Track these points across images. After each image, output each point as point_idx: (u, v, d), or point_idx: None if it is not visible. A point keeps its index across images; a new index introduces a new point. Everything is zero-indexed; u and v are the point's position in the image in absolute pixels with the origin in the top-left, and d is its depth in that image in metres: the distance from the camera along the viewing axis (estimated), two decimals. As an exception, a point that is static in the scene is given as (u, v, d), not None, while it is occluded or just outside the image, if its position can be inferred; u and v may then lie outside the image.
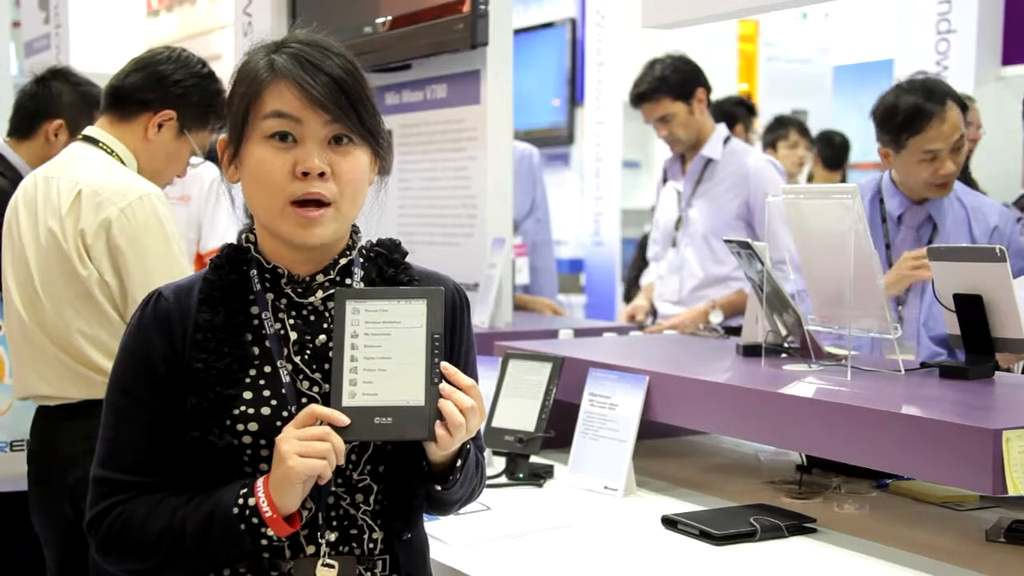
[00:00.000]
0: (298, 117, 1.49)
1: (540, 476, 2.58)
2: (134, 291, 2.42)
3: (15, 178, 3.04)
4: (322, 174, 1.49)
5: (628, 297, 5.88)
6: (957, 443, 1.87)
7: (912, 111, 3.04)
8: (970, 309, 2.38)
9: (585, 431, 2.57)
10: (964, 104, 3.13)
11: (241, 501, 1.46)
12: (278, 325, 1.55)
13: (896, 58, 6.22)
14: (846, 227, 2.31)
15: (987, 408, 2.19)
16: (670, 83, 4.04)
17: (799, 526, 2.19)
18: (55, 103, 3.19)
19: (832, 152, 6.23)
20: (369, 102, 1.54)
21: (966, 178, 4.11)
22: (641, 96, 4.10)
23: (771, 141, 6.02)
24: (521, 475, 2.57)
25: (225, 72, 1.62)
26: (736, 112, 5.43)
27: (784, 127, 6.12)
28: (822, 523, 2.21)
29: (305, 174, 1.49)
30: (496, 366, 2.76)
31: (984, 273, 2.34)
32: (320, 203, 1.50)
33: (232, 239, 4.58)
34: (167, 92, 2.64)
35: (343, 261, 1.58)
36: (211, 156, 2.70)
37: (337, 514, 1.53)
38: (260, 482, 1.46)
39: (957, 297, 2.40)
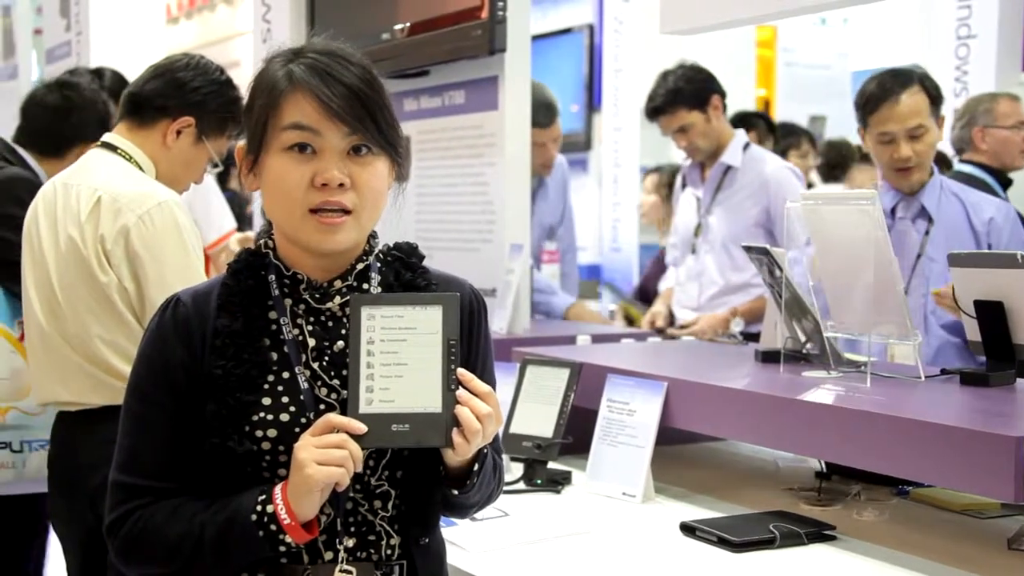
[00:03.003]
0: (317, 129, 1.49)
1: (558, 482, 2.57)
2: (152, 297, 2.42)
3: (33, 177, 3.07)
4: (341, 185, 1.50)
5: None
6: (978, 450, 1.86)
7: (872, 91, 3.12)
8: (991, 315, 2.36)
9: (603, 437, 2.56)
10: (938, 96, 3.16)
11: (259, 508, 1.46)
12: (296, 331, 1.55)
13: (915, 64, 6.19)
14: (866, 233, 2.30)
15: (1008, 415, 2.17)
16: (684, 94, 4.03)
17: (819, 533, 2.17)
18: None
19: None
20: (387, 111, 1.54)
21: (1005, 181, 4.10)
22: (657, 109, 4.09)
23: (783, 149, 6.04)
24: (539, 481, 2.57)
25: (244, 79, 1.62)
26: (755, 123, 5.43)
27: (796, 135, 6.16)
28: (842, 530, 2.20)
29: (324, 185, 1.49)
30: (514, 372, 2.75)
31: (1005, 279, 2.33)
32: (341, 210, 1.50)
33: (228, 225, 4.57)
34: (186, 99, 2.65)
35: (360, 266, 1.58)
36: (229, 162, 2.71)
37: (355, 520, 1.53)
38: (278, 489, 1.46)
39: (978, 303, 2.38)
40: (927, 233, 3.11)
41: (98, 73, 3.95)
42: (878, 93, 3.11)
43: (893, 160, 3.10)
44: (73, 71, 4.05)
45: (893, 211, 3.17)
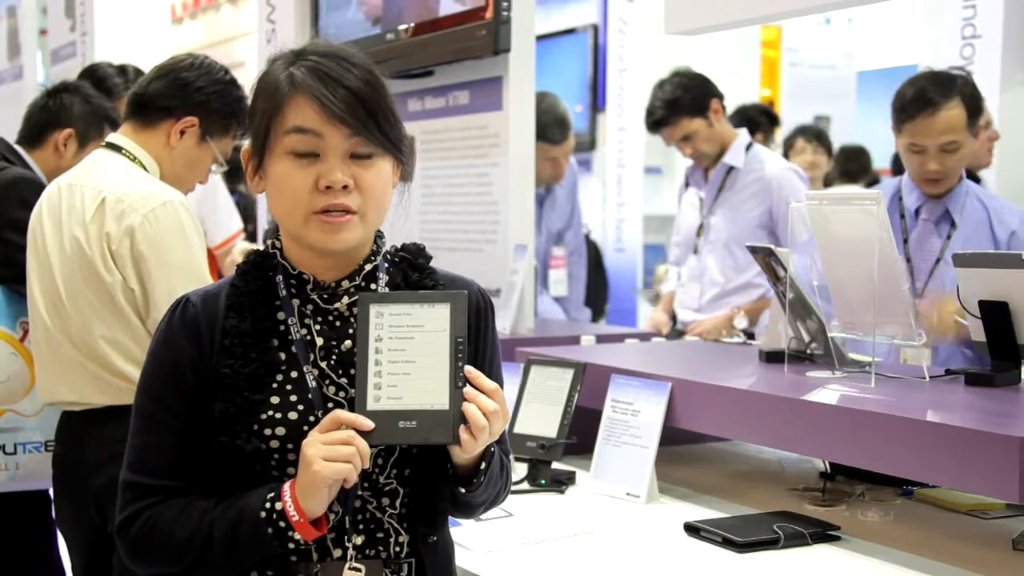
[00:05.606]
0: (319, 132, 1.50)
1: (562, 482, 2.58)
2: (156, 297, 2.43)
3: (35, 176, 3.07)
4: (345, 187, 1.50)
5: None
6: (982, 450, 1.86)
7: (911, 97, 3.03)
8: (996, 316, 2.36)
9: (607, 437, 2.56)
10: (976, 107, 3.07)
11: (268, 505, 1.47)
12: (304, 331, 1.56)
13: (921, 63, 6.19)
14: (870, 234, 2.30)
15: (1013, 415, 2.17)
16: (683, 102, 4.03)
17: (823, 534, 2.18)
18: (66, 114, 3.21)
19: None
20: (390, 112, 1.54)
21: (974, 179, 4.09)
22: (658, 122, 4.09)
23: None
24: (543, 481, 2.57)
25: (249, 79, 1.63)
26: (758, 120, 5.43)
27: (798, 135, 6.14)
28: (846, 531, 2.20)
29: (328, 188, 1.50)
30: (518, 372, 2.75)
31: (1010, 280, 2.33)
32: (345, 210, 1.51)
33: (236, 225, 4.54)
34: (190, 99, 2.65)
35: (368, 267, 1.59)
36: (234, 163, 2.72)
37: (363, 518, 1.54)
38: (287, 486, 1.47)
39: (983, 304, 2.38)
40: (949, 238, 3.08)
41: (122, 69, 3.96)
42: (916, 103, 3.01)
43: (922, 171, 3.05)
44: (97, 65, 4.06)
45: (917, 212, 3.14)
